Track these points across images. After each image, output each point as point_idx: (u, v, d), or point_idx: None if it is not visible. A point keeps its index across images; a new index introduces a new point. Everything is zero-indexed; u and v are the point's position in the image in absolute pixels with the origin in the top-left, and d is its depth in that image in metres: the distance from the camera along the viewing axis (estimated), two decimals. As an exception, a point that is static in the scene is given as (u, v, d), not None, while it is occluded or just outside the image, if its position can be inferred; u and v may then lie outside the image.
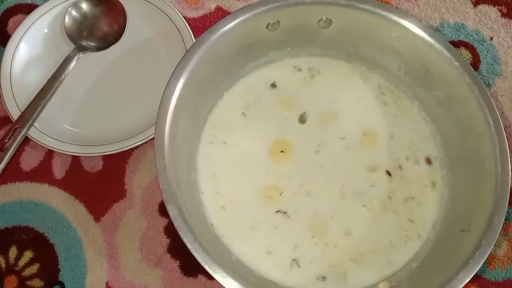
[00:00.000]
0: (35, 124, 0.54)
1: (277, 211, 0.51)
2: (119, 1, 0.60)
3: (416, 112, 0.56)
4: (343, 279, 0.49)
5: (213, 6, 0.63)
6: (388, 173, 0.53)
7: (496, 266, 0.53)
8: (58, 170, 0.55)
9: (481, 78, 0.52)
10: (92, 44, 0.59)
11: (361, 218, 0.51)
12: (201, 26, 0.61)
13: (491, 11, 0.64)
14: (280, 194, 0.51)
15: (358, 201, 0.52)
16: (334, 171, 0.53)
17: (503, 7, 0.64)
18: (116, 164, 0.55)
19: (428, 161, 0.54)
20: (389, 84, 0.57)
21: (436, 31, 0.61)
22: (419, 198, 0.52)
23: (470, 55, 0.62)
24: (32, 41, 0.59)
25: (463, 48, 0.62)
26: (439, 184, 0.53)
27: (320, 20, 0.54)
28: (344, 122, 0.55)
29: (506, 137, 0.49)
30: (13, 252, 0.52)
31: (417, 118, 0.56)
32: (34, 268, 0.52)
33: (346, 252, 0.50)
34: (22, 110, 0.55)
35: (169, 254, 0.52)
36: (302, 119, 0.55)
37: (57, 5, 0.60)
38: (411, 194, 0.52)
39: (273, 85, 0.56)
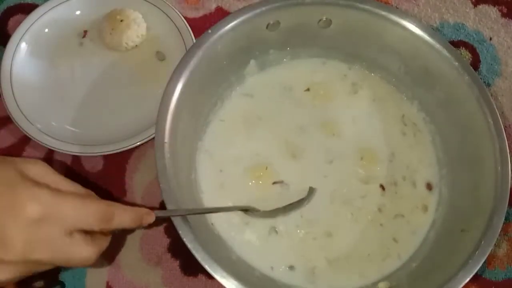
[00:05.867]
0: (36, 124, 0.55)
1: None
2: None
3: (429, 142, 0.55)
4: (311, 274, 0.49)
5: (213, 6, 0.63)
6: (382, 187, 0.53)
7: (496, 266, 0.53)
8: (59, 170, 0.55)
9: (481, 78, 0.52)
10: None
11: (346, 225, 0.51)
12: (201, 26, 0.61)
13: (491, 11, 0.64)
14: (282, 181, 0.52)
15: (346, 208, 0.52)
16: (328, 176, 0.53)
17: (503, 7, 0.64)
18: (117, 164, 0.55)
19: (429, 186, 0.53)
20: (415, 119, 0.56)
21: (436, 31, 0.61)
22: (408, 217, 0.52)
23: (470, 55, 0.62)
24: (32, 41, 0.59)
25: (463, 48, 0.62)
26: (431, 210, 0.52)
27: (320, 20, 0.54)
28: (348, 135, 0.55)
29: (506, 137, 0.49)
30: (13, 251, 0.52)
31: (429, 146, 0.55)
32: (34, 268, 0.52)
33: (323, 249, 0.50)
34: (22, 109, 0.55)
35: (169, 254, 0.52)
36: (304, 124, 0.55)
37: (57, 5, 0.60)
38: (401, 211, 0.52)
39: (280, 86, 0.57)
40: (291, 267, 0.49)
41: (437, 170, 0.54)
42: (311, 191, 0.51)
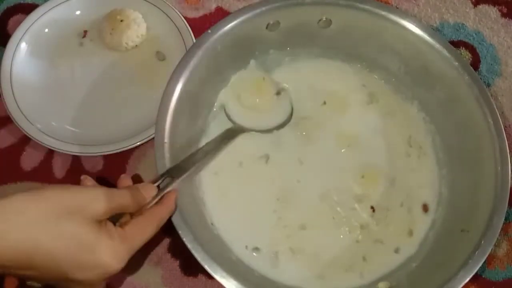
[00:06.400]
0: (36, 124, 0.55)
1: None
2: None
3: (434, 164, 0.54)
4: (275, 259, 0.49)
5: (213, 6, 0.63)
6: (373, 208, 0.52)
7: (496, 266, 0.53)
8: (59, 170, 0.55)
9: (481, 78, 0.52)
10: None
11: (323, 225, 0.51)
12: (201, 26, 0.61)
13: (491, 11, 0.64)
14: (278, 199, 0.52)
15: (331, 211, 0.51)
16: (327, 176, 0.53)
17: (503, 7, 0.64)
18: (117, 164, 0.55)
19: (425, 208, 0.52)
20: (421, 141, 0.54)
21: (436, 31, 0.61)
22: (388, 244, 0.51)
23: (470, 55, 0.62)
24: (32, 41, 0.59)
25: (463, 48, 0.62)
26: (417, 232, 0.51)
27: (320, 20, 0.54)
28: (355, 148, 0.54)
29: (506, 137, 0.49)
30: (13, 252, 0.52)
31: (432, 171, 0.54)
32: (34, 268, 0.52)
33: (290, 238, 0.50)
34: (22, 109, 0.55)
35: (169, 254, 0.52)
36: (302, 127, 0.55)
37: (57, 5, 0.60)
38: (382, 238, 0.51)
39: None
40: (256, 249, 0.50)
41: (437, 193, 0.53)
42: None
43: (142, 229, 0.43)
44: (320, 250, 0.50)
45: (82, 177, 0.45)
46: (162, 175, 0.45)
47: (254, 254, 0.49)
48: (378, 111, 0.56)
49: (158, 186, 0.44)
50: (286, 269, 0.49)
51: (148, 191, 0.44)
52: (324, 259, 0.50)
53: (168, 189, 0.44)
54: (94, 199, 0.39)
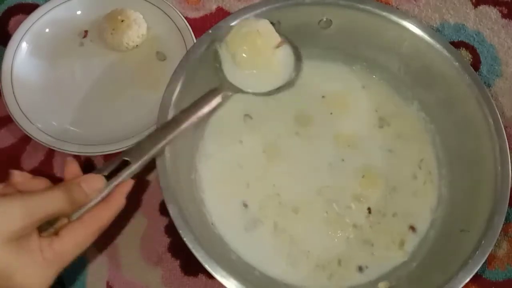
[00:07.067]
0: (37, 124, 0.55)
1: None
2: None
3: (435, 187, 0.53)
4: (253, 225, 0.50)
5: (213, 7, 0.63)
6: (369, 210, 0.52)
7: (496, 266, 0.53)
8: (59, 169, 0.55)
9: (481, 79, 0.52)
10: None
11: (315, 217, 0.51)
12: (201, 26, 0.61)
13: (492, 12, 0.64)
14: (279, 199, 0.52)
15: (325, 205, 0.51)
16: (327, 172, 0.53)
17: (503, 8, 0.64)
18: (117, 163, 0.55)
19: (412, 228, 0.52)
20: (432, 168, 0.54)
21: (436, 31, 0.61)
22: (377, 251, 0.50)
23: (470, 55, 0.62)
24: (33, 41, 0.59)
25: (464, 48, 0.62)
26: (407, 246, 0.51)
27: (320, 20, 0.54)
28: (360, 151, 0.54)
29: (506, 137, 0.49)
30: (13, 251, 0.52)
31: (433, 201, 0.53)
32: (34, 268, 0.52)
33: (277, 211, 0.51)
34: (23, 109, 0.55)
35: (170, 253, 0.52)
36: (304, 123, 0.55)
37: (58, 5, 0.60)
38: (373, 241, 0.51)
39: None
40: (246, 205, 0.51)
41: (429, 220, 0.52)
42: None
43: (78, 240, 0.37)
44: (301, 238, 0.50)
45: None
46: (115, 161, 0.38)
47: (240, 208, 0.50)
48: (390, 135, 0.55)
49: (117, 170, 0.38)
50: (257, 240, 0.50)
51: (93, 184, 0.37)
52: (300, 248, 0.50)
53: (119, 180, 0.38)
54: (6, 217, 0.33)
